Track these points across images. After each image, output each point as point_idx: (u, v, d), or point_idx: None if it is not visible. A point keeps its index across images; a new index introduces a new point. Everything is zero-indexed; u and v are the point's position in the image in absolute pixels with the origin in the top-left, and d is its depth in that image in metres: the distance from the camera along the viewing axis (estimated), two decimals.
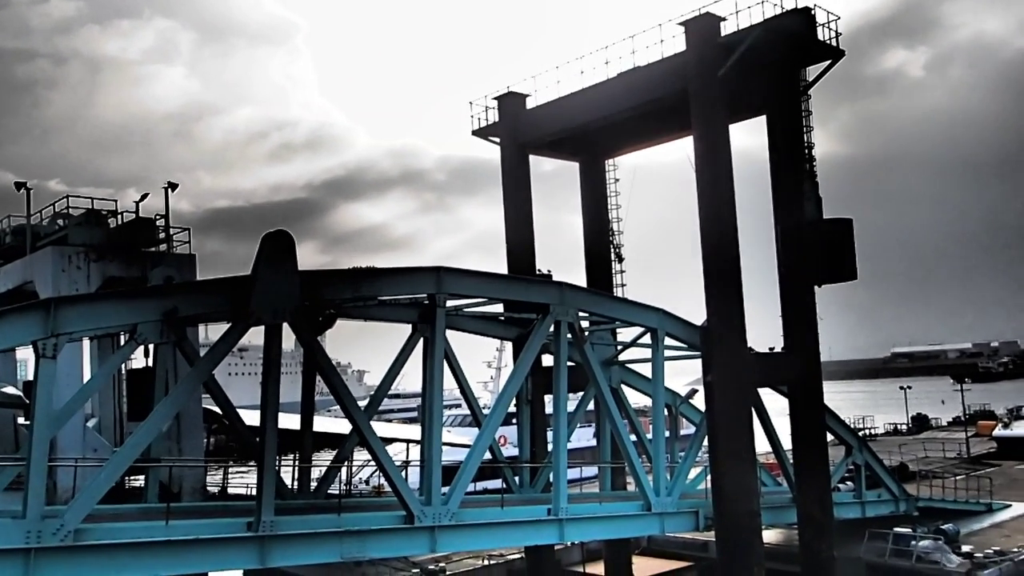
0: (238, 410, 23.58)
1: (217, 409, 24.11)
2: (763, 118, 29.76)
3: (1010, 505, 38.49)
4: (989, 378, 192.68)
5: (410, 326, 24.84)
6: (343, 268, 22.68)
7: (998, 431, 59.08)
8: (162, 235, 29.22)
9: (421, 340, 23.74)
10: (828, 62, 28.72)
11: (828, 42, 28.33)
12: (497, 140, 34.53)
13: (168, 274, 27.34)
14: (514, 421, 31.46)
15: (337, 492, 25.14)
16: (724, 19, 27.25)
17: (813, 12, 27.91)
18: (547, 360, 27.13)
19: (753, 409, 27.72)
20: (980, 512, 36.98)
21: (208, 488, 29.53)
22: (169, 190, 29.60)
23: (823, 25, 28.24)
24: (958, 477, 40.48)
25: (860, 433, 46.63)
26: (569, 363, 25.18)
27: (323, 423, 33.51)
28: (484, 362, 79.64)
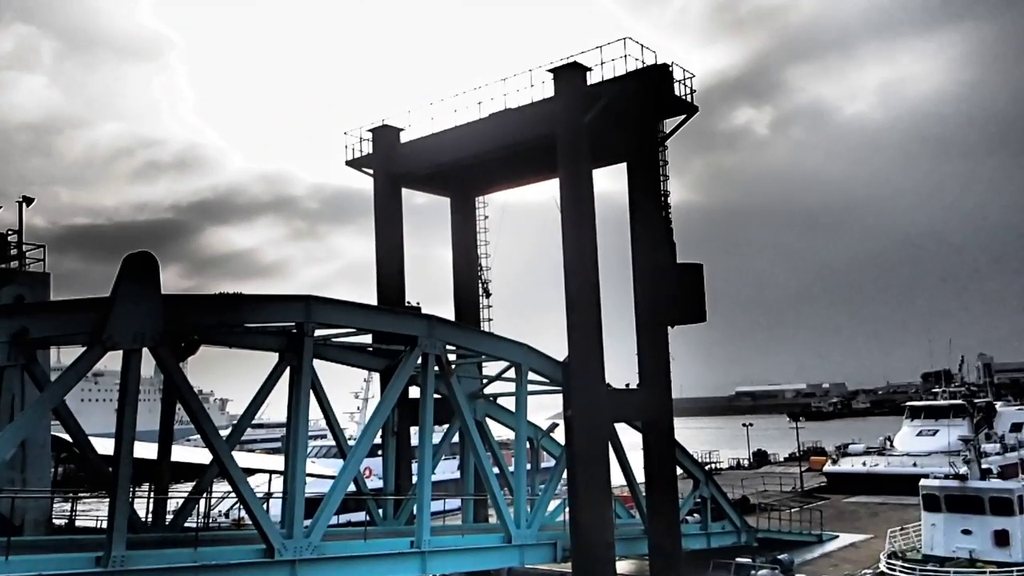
0: (90, 438, 22.61)
1: (67, 437, 23.05)
2: (624, 165, 31.21)
3: (838, 536, 41.24)
4: (821, 417, 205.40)
5: (276, 354, 24.57)
6: (209, 293, 22.39)
7: (828, 467, 62.52)
8: (14, 251, 27.82)
9: (288, 369, 23.45)
10: (684, 116, 30.75)
11: (684, 98, 30.39)
12: (370, 172, 34.76)
13: (19, 293, 26.04)
14: (379, 453, 31.41)
15: (195, 525, 24.39)
16: (590, 69, 28.79)
17: (671, 69, 29.92)
18: (414, 392, 27.36)
19: (609, 443, 28.83)
20: (812, 543, 39.45)
21: (54, 521, 27.93)
22: (24, 204, 28.34)
23: (679, 82, 30.33)
24: (793, 510, 42.82)
25: (707, 467, 48.70)
26: (435, 395, 25.56)
27: (181, 453, 32.37)
28: (351, 392, 78.32)
